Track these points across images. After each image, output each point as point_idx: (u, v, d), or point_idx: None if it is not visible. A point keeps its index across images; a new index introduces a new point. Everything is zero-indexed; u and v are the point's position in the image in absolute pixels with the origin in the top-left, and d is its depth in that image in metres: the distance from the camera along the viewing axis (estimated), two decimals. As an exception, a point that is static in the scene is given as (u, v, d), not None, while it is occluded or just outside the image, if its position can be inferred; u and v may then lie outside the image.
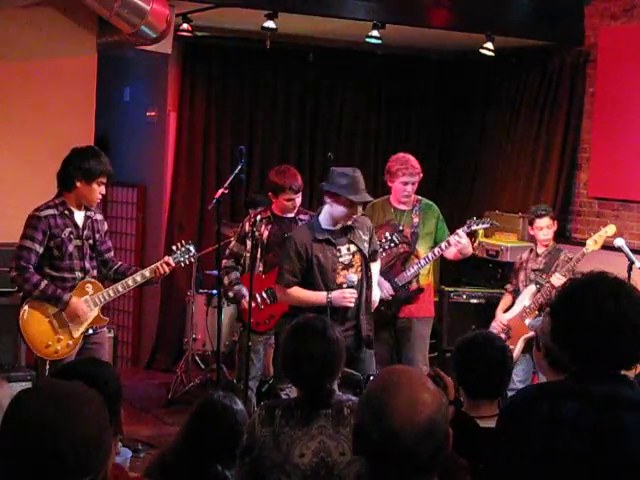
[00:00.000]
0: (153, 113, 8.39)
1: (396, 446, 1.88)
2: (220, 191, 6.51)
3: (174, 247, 5.50)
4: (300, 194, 6.13)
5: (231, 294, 6.10)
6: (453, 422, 2.10)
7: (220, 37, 8.12)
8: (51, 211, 5.04)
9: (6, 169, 6.64)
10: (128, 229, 8.60)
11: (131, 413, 6.72)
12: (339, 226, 5.14)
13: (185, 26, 7.12)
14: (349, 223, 5.14)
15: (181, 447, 3.20)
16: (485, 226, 6.34)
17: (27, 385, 5.64)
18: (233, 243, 6.23)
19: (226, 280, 6.13)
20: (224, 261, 6.15)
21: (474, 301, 7.03)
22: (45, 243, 5.02)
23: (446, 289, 7.05)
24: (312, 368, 3.20)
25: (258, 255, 6.07)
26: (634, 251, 6.07)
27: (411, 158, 6.08)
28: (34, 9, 6.58)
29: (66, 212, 5.07)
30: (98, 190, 5.09)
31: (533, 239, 6.49)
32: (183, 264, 5.54)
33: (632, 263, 5.79)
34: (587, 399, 2.31)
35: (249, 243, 6.09)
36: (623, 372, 2.42)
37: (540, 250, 6.31)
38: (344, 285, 5.06)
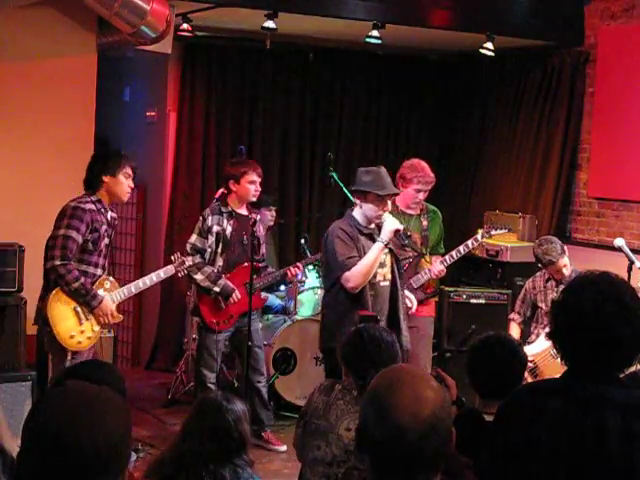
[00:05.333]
0: (153, 113, 8.38)
1: (400, 443, 1.88)
2: (220, 191, 6.52)
3: (172, 257, 5.67)
4: (260, 181, 6.09)
5: (217, 289, 5.99)
6: (460, 417, 2.11)
7: (220, 37, 8.11)
8: (92, 206, 5.10)
9: (6, 169, 6.65)
10: (128, 229, 8.60)
11: (131, 413, 6.71)
12: (373, 225, 5.23)
13: (185, 26, 7.12)
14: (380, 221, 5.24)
15: (180, 447, 3.20)
16: (503, 232, 6.44)
17: (27, 385, 5.65)
18: (194, 237, 6.06)
19: (199, 276, 5.99)
20: (191, 258, 5.90)
21: (474, 301, 7.02)
22: (86, 236, 5.05)
23: (446, 289, 7.04)
24: (366, 363, 3.55)
25: (219, 250, 6.05)
26: (634, 251, 6.06)
27: (426, 166, 6.06)
28: (34, 9, 6.58)
29: (102, 210, 5.14)
30: (126, 183, 5.16)
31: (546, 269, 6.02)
32: (180, 274, 5.73)
33: (632, 263, 5.77)
34: (572, 397, 2.32)
35: (211, 238, 6.04)
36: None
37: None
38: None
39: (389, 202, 5.22)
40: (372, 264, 5.10)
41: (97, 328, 5.18)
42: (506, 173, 8.30)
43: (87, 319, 5.14)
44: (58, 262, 5.01)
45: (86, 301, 5.07)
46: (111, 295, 5.21)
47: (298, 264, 6.21)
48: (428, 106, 9.02)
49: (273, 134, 8.45)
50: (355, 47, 8.03)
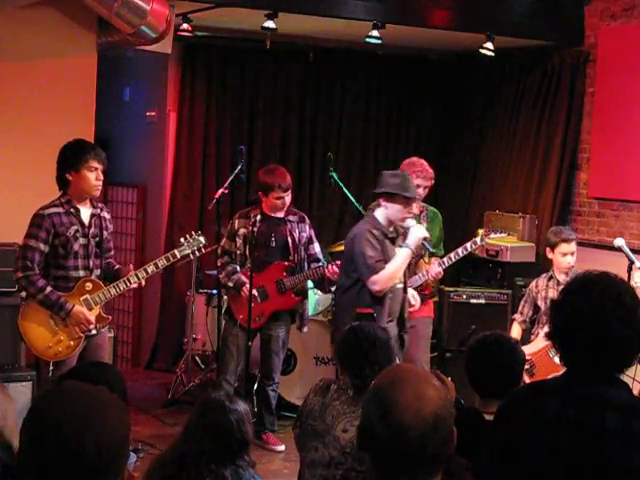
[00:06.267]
0: (153, 113, 8.38)
1: (401, 441, 1.89)
2: (220, 191, 6.53)
3: (182, 239, 5.42)
4: (289, 192, 6.13)
5: (231, 284, 6.11)
6: (459, 417, 2.11)
7: (220, 37, 8.12)
8: (56, 209, 5.01)
9: (6, 169, 6.64)
10: (128, 229, 8.60)
11: (131, 413, 6.72)
12: (392, 228, 5.29)
13: (185, 26, 7.12)
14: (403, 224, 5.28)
15: (182, 446, 3.20)
16: (502, 235, 6.44)
17: (27, 385, 5.65)
18: (224, 240, 6.25)
19: (223, 274, 6.17)
20: (219, 260, 6.23)
21: (474, 301, 7.03)
22: (50, 242, 4.97)
23: (446, 289, 7.05)
24: (361, 361, 3.57)
25: (247, 252, 6.11)
26: (634, 251, 6.06)
27: (424, 162, 6.08)
28: (34, 9, 6.57)
29: (72, 210, 5.03)
30: (92, 177, 4.99)
31: (549, 263, 6.05)
32: (192, 255, 5.51)
33: (632, 263, 5.77)
34: (571, 398, 2.33)
35: (239, 240, 6.12)
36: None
37: (561, 277, 5.86)
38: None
39: (414, 205, 5.27)
40: (399, 269, 5.20)
41: (77, 336, 5.05)
42: (506, 173, 8.29)
43: (65, 327, 5.02)
44: (20, 274, 4.97)
45: (54, 312, 4.99)
46: (93, 297, 5.06)
47: (338, 261, 6.14)
48: (428, 106, 9.02)
49: (273, 134, 8.45)
50: (355, 47, 8.03)
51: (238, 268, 6.15)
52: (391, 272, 5.15)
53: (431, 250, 5.36)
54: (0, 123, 6.64)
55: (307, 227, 6.28)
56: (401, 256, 5.19)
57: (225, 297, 6.46)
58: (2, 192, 6.58)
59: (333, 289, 6.92)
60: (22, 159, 6.68)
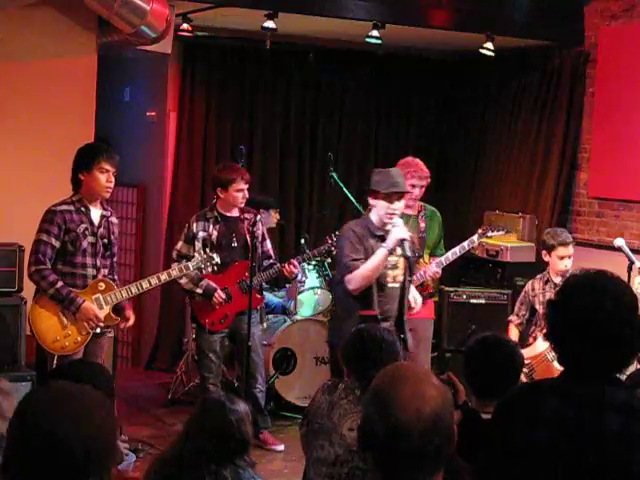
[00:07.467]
0: (153, 113, 8.38)
1: (401, 440, 1.89)
2: (220, 191, 6.49)
3: (196, 253, 5.63)
4: (248, 186, 6.10)
5: (199, 290, 6.02)
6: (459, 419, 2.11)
7: (220, 37, 8.12)
8: (67, 207, 5.12)
9: (6, 169, 6.65)
10: (128, 229, 8.60)
11: (131, 413, 6.73)
12: (388, 227, 5.23)
13: (185, 26, 7.13)
14: (392, 221, 5.22)
15: (182, 447, 3.20)
16: (500, 233, 6.39)
17: (27, 385, 5.65)
18: (181, 244, 6.13)
19: (184, 280, 5.98)
20: (175, 264, 5.88)
21: (474, 301, 7.03)
22: (61, 237, 5.06)
23: (446, 289, 7.05)
24: (367, 362, 3.59)
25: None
26: (634, 251, 6.07)
27: (420, 162, 6.07)
28: (34, 9, 6.58)
29: (82, 209, 5.13)
30: (103, 178, 5.11)
31: (545, 265, 6.01)
32: (204, 270, 5.67)
33: (632, 263, 5.78)
34: (570, 398, 2.32)
35: (198, 244, 6.04)
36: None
37: (558, 279, 5.82)
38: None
39: (399, 202, 5.19)
40: (374, 269, 5.12)
41: (85, 332, 5.13)
42: (506, 173, 8.30)
43: (74, 323, 5.10)
44: (33, 268, 5.06)
45: (64, 307, 5.06)
46: (104, 297, 5.15)
47: (293, 260, 6.19)
48: (428, 106, 9.02)
49: (273, 134, 8.45)
50: (355, 47, 8.03)
51: (199, 273, 5.98)
52: (365, 271, 5.10)
53: (408, 254, 5.22)
54: (0, 123, 6.65)
55: (260, 224, 6.25)
56: (377, 256, 5.12)
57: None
58: (2, 192, 6.58)
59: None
60: (22, 159, 6.69)
